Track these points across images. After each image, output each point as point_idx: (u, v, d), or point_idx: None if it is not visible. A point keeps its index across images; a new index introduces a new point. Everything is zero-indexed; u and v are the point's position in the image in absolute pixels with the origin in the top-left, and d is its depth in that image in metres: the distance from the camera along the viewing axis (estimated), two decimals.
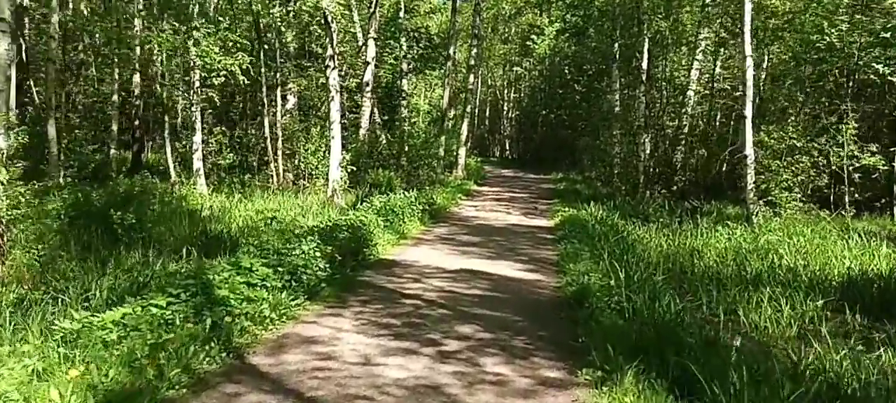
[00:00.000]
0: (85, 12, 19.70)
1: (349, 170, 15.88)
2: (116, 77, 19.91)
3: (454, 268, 8.68)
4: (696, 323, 5.90)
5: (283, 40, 20.24)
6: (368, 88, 19.22)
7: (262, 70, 17.92)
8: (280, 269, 6.41)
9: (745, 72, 13.06)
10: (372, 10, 18.79)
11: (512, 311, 6.58)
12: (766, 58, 18.54)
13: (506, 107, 47.11)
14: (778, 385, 4.01)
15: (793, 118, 15.07)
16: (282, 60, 20.12)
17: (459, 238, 11.73)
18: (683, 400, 4.21)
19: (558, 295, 7.55)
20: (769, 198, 13.23)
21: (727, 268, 8.74)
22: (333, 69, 15.52)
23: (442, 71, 25.81)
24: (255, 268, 6.13)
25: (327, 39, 15.83)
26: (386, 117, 23.75)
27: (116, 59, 19.06)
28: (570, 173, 28.64)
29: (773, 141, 13.82)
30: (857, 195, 14.39)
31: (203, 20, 14.39)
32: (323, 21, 16.06)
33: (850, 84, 15.86)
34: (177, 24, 14.58)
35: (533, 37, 37.35)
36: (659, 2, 18.74)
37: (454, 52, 25.00)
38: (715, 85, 20.93)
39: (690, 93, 21.31)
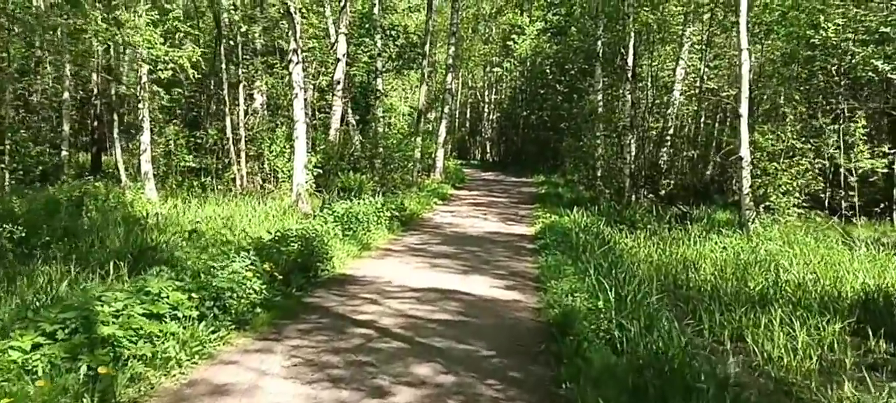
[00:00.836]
0: (42, 7, 18.32)
1: (315, 173, 14.69)
2: (68, 73, 18.64)
3: (420, 286, 7.58)
4: (702, 356, 4.95)
5: (250, 36, 19.03)
6: (339, 86, 18.03)
7: (223, 66, 16.69)
8: (197, 294, 5.25)
9: (741, 66, 12.08)
10: (343, 3, 17.63)
11: (483, 344, 5.49)
12: (758, 54, 17.67)
13: (487, 109, 46.19)
14: None
15: (790, 117, 14.15)
16: (247, 57, 18.93)
17: (431, 248, 10.65)
18: None
19: (538, 319, 6.48)
20: (767, 203, 12.28)
21: (727, 283, 7.94)
22: (297, 64, 14.32)
23: (419, 71, 24.84)
24: (164, 294, 4.96)
25: (290, 32, 14.63)
26: (359, 118, 22.62)
27: (69, 56, 17.74)
28: (551, 176, 28.00)
29: (768, 142, 12.86)
30: (855, 199, 13.52)
31: (148, 4, 13.04)
32: (284, 11, 14.84)
33: (844, 82, 15.06)
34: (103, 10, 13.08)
35: (513, 36, 36.51)
36: None
37: (428, 48, 23.99)
38: (702, 84, 20.09)
39: (676, 93, 20.48)
